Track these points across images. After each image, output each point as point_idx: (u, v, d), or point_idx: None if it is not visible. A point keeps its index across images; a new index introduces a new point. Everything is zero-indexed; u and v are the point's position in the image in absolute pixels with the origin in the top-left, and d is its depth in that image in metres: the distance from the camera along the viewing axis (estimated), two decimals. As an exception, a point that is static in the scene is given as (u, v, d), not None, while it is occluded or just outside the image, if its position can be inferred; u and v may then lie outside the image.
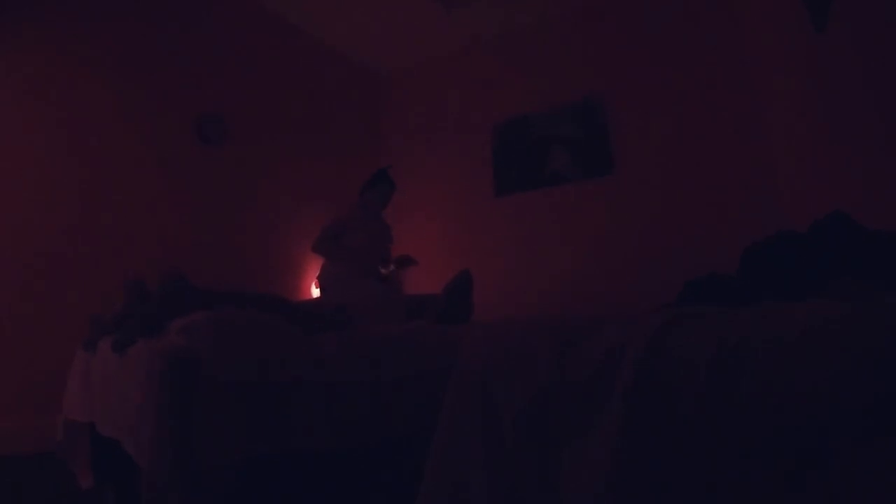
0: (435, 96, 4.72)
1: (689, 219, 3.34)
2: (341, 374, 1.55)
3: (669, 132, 3.49)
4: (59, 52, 3.01)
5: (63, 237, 2.87)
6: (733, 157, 3.24)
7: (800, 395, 0.57)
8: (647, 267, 3.39)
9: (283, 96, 4.10)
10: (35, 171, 2.84)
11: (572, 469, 0.75)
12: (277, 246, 3.91)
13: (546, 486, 0.78)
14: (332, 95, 4.50)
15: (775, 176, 2.95)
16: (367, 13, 4.09)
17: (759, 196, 3.07)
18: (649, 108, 3.59)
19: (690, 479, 0.63)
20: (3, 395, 2.57)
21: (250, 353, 1.43)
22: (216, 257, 3.41)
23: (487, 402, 0.89)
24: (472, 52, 4.49)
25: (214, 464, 1.26)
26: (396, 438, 1.58)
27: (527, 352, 0.87)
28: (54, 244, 2.84)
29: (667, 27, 3.56)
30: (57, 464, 2.04)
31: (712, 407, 0.63)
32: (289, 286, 3.93)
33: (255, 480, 1.40)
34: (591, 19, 3.91)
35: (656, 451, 0.66)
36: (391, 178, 3.17)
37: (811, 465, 0.56)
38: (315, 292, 3.89)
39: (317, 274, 3.36)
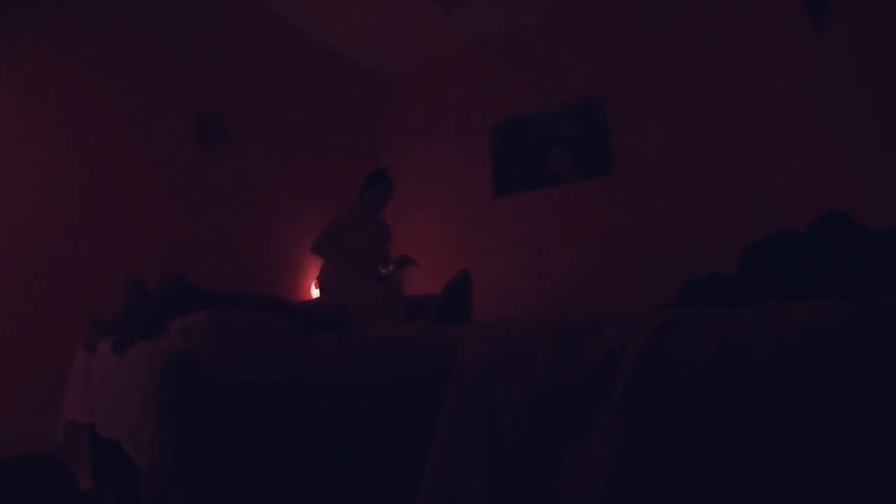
0: (435, 96, 4.72)
1: (689, 219, 3.34)
2: (341, 374, 1.55)
3: (669, 132, 3.50)
4: (59, 52, 3.01)
5: (63, 237, 2.87)
6: (733, 157, 3.24)
7: (800, 395, 0.57)
8: (647, 267, 3.39)
9: (283, 96, 4.10)
10: (35, 171, 2.84)
11: (572, 469, 0.75)
12: (277, 246, 3.91)
13: (546, 486, 0.78)
14: (332, 95, 4.50)
15: (775, 176, 2.95)
16: (367, 13, 4.09)
17: (759, 196, 3.07)
18: (649, 108, 3.59)
19: (690, 479, 0.63)
20: (3, 396, 2.57)
21: (250, 353, 1.43)
22: (216, 257, 3.41)
23: (487, 402, 0.89)
24: (472, 52, 4.49)
25: (214, 464, 1.26)
26: (396, 438, 1.58)
27: (527, 352, 0.87)
28: (54, 244, 2.84)
29: (667, 27, 3.56)
30: (57, 465, 2.03)
31: (712, 407, 0.63)
32: (289, 286, 3.93)
33: (255, 480, 1.40)
34: (591, 19, 3.91)
35: (656, 451, 0.66)
36: (390, 178, 3.17)
37: (811, 465, 0.55)
38: (315, 293, 3.89)
39: (316, 275, 3.36)
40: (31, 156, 2.84)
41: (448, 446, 0.92)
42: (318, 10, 4.08)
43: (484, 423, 0.88)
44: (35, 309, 2.72)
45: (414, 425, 1.56)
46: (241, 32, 3.87)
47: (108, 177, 3.08)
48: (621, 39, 3.75)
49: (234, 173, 3.68)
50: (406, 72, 4.92)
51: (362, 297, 2.72)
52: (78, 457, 1.92)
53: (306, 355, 1.54)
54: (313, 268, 3.90)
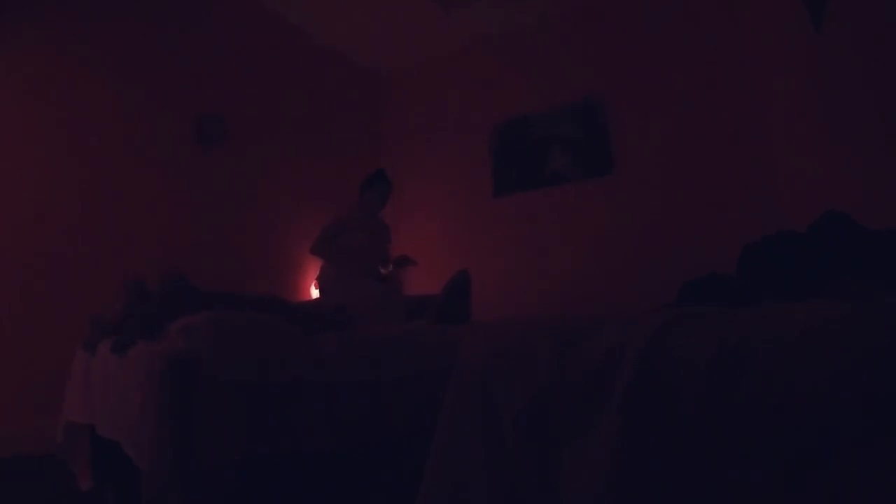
0: (435, 96, 4.72)
1: (689, 219, 3.34)
2: (341, 374, 1.55)
3: (669, 132, 3.50)
4: (59, 52, 3.01)
5: (63, 237, 2.87)
6: (733, 157, 3.24)
7: (800, 395, 0.57)
8: (647, 267, 3.39)
9: (283, 96, 4.10)
10: (35, 171, 2.84)
11: (572, 469, 0.75)
12: (277, 246, 3.91)
13: (546, 486, 0.78)
14: (331, 95, 4.50)
15: (775, 176, 2.95)
16: (367, 13, 4.09)
17: (759, 196, 3.07)
18: (649, 108, 3.59)
19: (690, 479, 0.63)
20: (3, 396, 2.57)
21: (250, 353, 1.43)
22: (216, 257, 3.41)
23: (487, 402, 0.89)
24: (472, 52, 4.49)
25: (214, 464, 1.26)
26: (396, 438, 1.58)
27: (527, 352, 0.87)
28: (54, 244, 2.84)
29: (667, 27, 3.56)
30: (57, 465, 2.03)
31: (712, 407, 0.63)
32: (289, 286, 3.93)
33: (255, 480, 1.40)
34: (591, 19, 3.91)
35: (656, 451, 0.66)
36: (388, 178, 3.17)
37: (811, 465, 0.55)
38: (315, 293, 3.89)
39: (316, 275, 3.36)
40: (31, 156, 2.84)
41: (448, 446, 0.92)
42: (318, 10, 4.08)
43: (484, 423, 0.88)
44: (35, 309, 2.72)
45: (414, 425, 1.56)
46: (241, 32, 3.87)
47: (108, 177, 3.08)
48: (621, 39, 3.75)
49: (234, 173, 3.68)
50: (406, 72, 4.92)
51: (362, 297, 2.72)
52: (78, 457, 1.92)
53: (306, 355, 1.54)
54: (313, 268, 3.90)
